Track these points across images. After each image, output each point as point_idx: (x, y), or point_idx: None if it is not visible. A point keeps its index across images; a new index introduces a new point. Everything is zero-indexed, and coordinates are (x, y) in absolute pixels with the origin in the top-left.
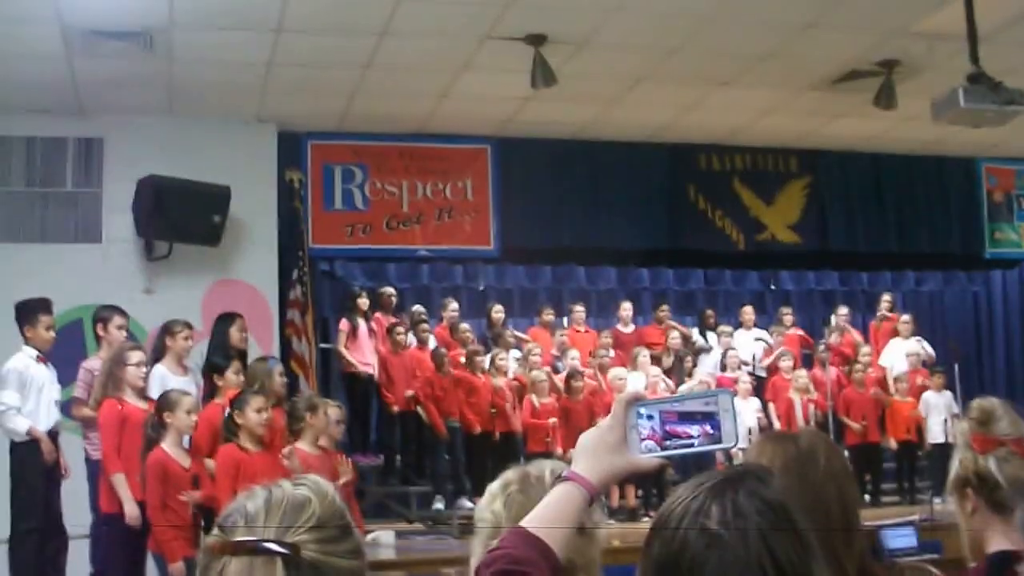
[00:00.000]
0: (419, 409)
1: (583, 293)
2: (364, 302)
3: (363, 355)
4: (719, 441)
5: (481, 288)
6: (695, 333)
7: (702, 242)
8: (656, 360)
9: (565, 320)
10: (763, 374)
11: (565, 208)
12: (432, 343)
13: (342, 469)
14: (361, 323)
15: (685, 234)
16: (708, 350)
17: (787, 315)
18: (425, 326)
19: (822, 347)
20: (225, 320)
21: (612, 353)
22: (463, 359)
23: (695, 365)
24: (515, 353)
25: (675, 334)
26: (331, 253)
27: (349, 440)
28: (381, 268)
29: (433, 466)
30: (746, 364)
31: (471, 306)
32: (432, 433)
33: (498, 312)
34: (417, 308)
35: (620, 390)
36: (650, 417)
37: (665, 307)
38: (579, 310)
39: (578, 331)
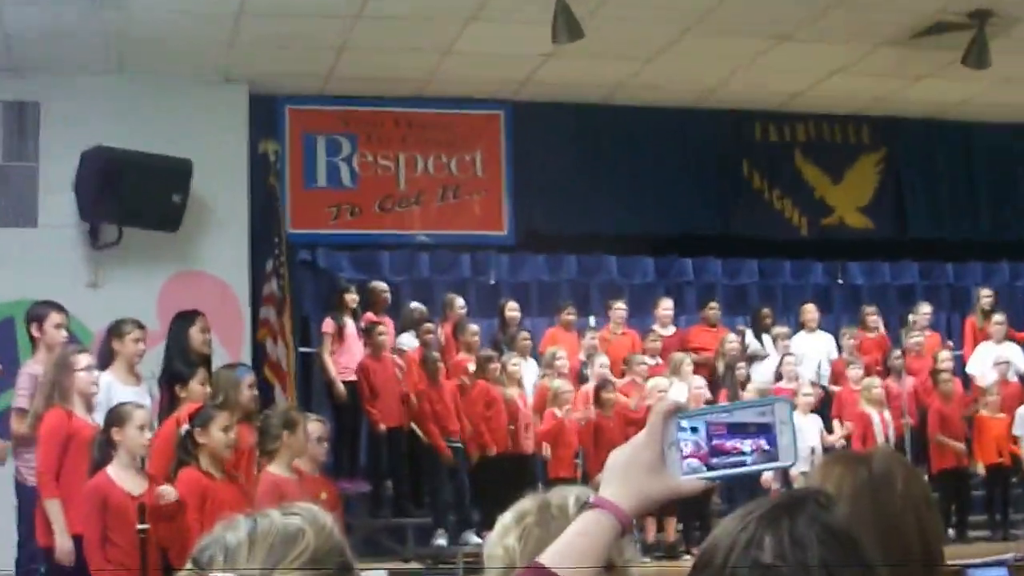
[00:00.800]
0: (414, 427)
1: (614, 288)
2: (352, 298)
3: (351, 361)
4: (775, 459)
5: (492, 282)
6: (748, 335)
7: (757, 227)
8: (702, 368)
9: (591, 320)
10: (827, 385)
11: (593, 187)
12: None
13: (324, 497)
14: (349, 323)
15: (737, 218)
16: (763, 357)
17: (871, 315)
18: (429, 326)
19: (897, 353)
20: (185, 320)
21: (656, 360)
22: (472, 366)
23: (748, 375)
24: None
25: (731, 338)
26: (313, 240)
27: (334, 462)
28: (373, 258)
29: (433, 494)
30: (809, 375)
31: (480, 303)
32: (431, 455)
33: (513, 310)
34: (416, 306)
35: None
36: (694, 430)
37: (714, 305)
38: (620, 308)
39: (612, 334)
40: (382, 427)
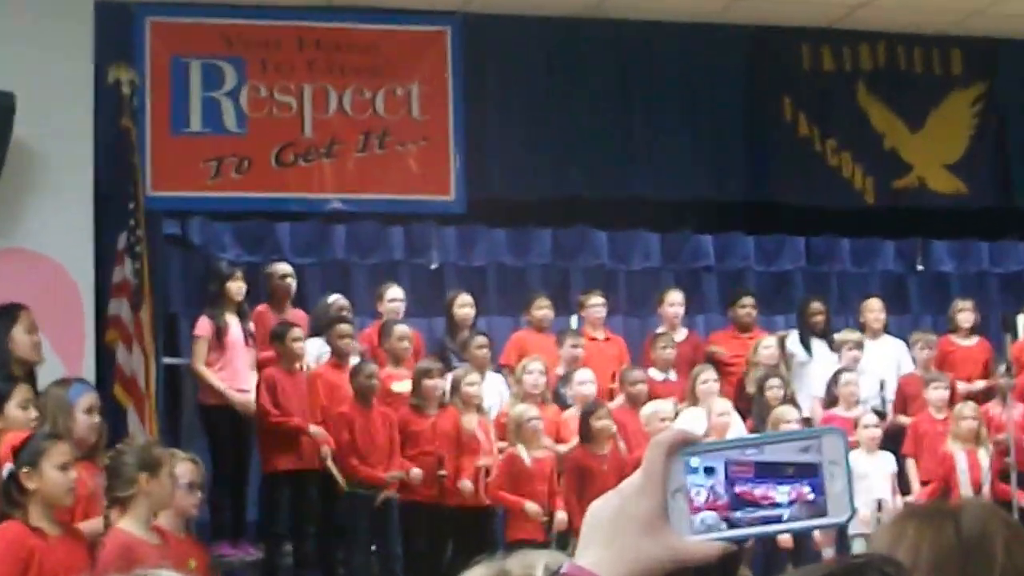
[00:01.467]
0: (330, 466)
1: (605, 275)
2: (238, 287)
3: (236, 376)
4: (823, 513)
5: (434, 266)
6: (792, 341)
7: (804, 192)
8: (729, 386)
9: (573, 321)
10: (887, 411)
11: (573, 135)
12: (356, 358)
13: (193, 567)
14: (233, 323)
15: (776, 178)
16: (813, 371)
17: (963, 310)
18: (346, 330)
19: (1003, 369)
20: (3, 317)
21: (667, 374)
22: (400, 385)
23: (788, 395)
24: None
25: (767, 343)
26: (184, 206)
27: (211, 518)
28: (268, 232)
29: (349, 561)
30: (870, 396)
31: (419, 296)
32: (352, 506)
33: (464, 306)
34: (334, 299)
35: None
36: (709, 472)
37: (747, 300)
38: (595, 304)
39: (596, 339)
40: (286, 467)
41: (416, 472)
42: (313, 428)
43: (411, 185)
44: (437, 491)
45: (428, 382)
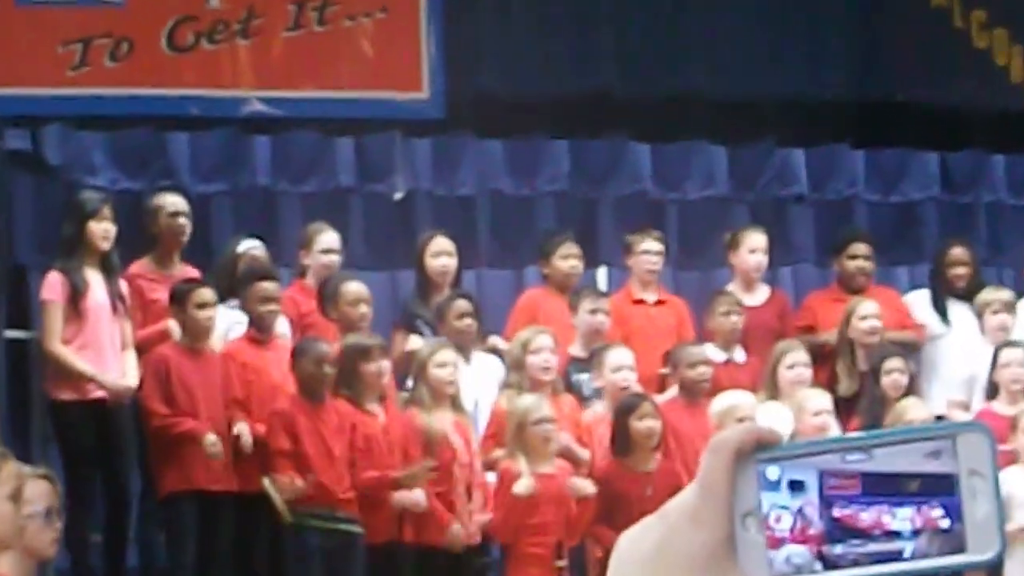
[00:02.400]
0: (267, 486)
1: (647, 208)
2: (104, 230)
3: (102, 355)
4: (961, 547)
5: (399, 195)
6: (921, 303)
7: (939, 87)
8: (825, 369)
9: (600, 274)
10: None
11: (603, 5)
12: (284, 327)
13: None
14: (95, 282)
15: (897, 68)
16: (950, 345)
17: None
18: (270, 290)
19: None
20: None
21: (731, 354)
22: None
23: (914, 385)
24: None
25: (867, 308)
26: (35, 108)
27: (71, 562)
28: (156, 147)
29: None
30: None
31: (376, 239)
32: (297, 544)
33: (440, 254)
34: (250, 246)
35: None
36: (796, 488)
37: (859, 246)
38: (651, 249)
39: (644, 302)
40: (183, 488)
41: (414, 498)
42: (211, 437)
43: (365, 78)
44: (412, 527)
45: (366, 367)
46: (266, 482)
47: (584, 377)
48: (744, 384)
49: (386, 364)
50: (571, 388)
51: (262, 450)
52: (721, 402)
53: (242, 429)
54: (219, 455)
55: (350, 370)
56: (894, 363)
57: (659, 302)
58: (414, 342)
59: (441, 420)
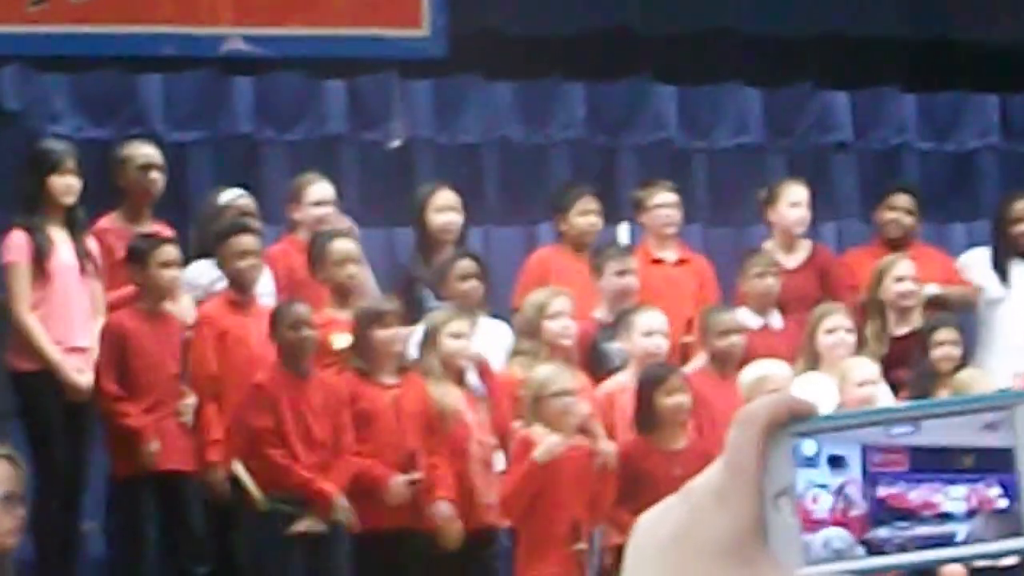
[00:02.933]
0: (238, 471)
1: (673, 157)
2: (67, 184)
3: (65, 325)
4: (1021, 530)
5: (396, 143)
6: (978, 263)
7: (999, 24)
8: (865, 337)
9: (621, 230)
10: None
11: None
12: (268, 287)
13: None
14: (60, 241)
15: (953, 4)
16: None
17: None
18: (249, 244)
19: None
20: None
21: (765, 318)
22: (340, 338)
23: (965, 357)
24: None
25: (904, 268)
26: None
27: (36, 551)
28: (125, 90)
29: None
30: None
31: (369, 191)
32: (271, 533)
33: (445, 209)
34: (232, 196)
35: None
36: (836, 464)
37: (903, 198)
38: (665, 203)
39: (663, 261)
40: (140, 472)
41: (397, 483)
42: (154, 445)
43: (358, 13)
44: (408, 511)
45: (379, 333)
46: (238, 466)
47: (615, 346)
48: (781, 353)
49: (403, 331)
50: (599, 358)
51: (238, 429)
52: (751, 372)
53: (186, 408)
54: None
55: (362, 337)
56: (945, 334)
57: (680, 261)
58: (431, 314)
59: (451, 395)
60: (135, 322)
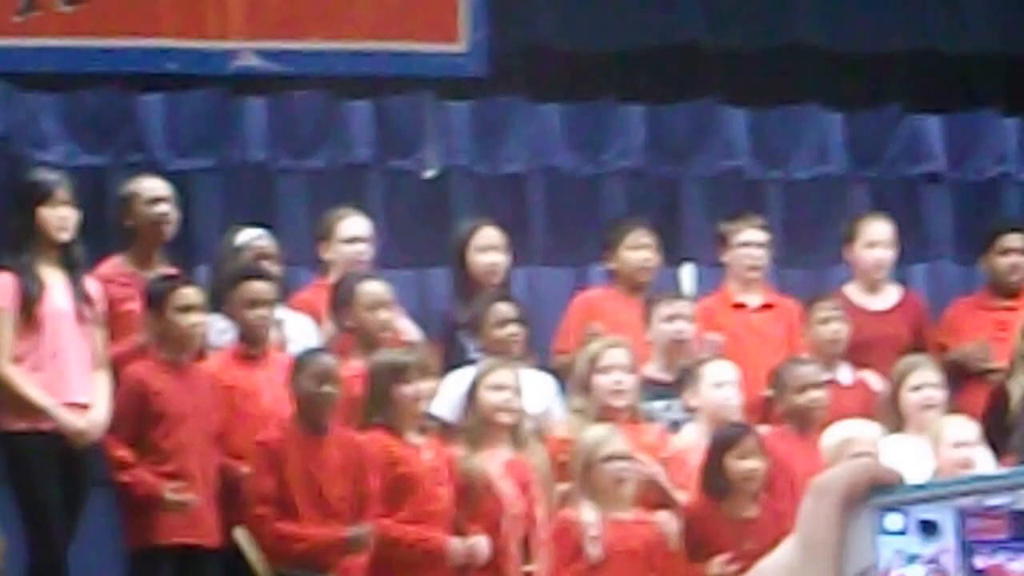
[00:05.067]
0: (241, 541)
1: (744, 189)
2: (61, 218)
3: (59, 380)
4: None
5: (431, 173)
6: None
7: None
8: (976, 395)
9: (685, 275)
10: None
11: None
12: (288, 337)
13: None
14: (54, 283)
15: None
16: None
17: None
18: (263, 292)
19: None
20: None
21: (838, 372)
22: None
23: None
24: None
25: None
26: None
27: None
28: (125, 111)
29: None
30: None
31: (403, 228)
32: None
33: (489, 249)
34: (250, 236)
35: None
36: (928, 531)
37: (1015, 238)
38: (752, 241)
39: (745, 306)
40: (160, 541)
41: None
42: (169, 492)
43: (387, 25)
44: None
45: (401, 390)
46: (239, 533)
47: (658, 405)
48: (851, 412)
49: (426, 386)
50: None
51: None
52: (835, 435)
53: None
54: (184, 504)
55: (381, 394)
56: None
57: (765, 306)
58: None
59: (491, 458)
60: (155, 375)
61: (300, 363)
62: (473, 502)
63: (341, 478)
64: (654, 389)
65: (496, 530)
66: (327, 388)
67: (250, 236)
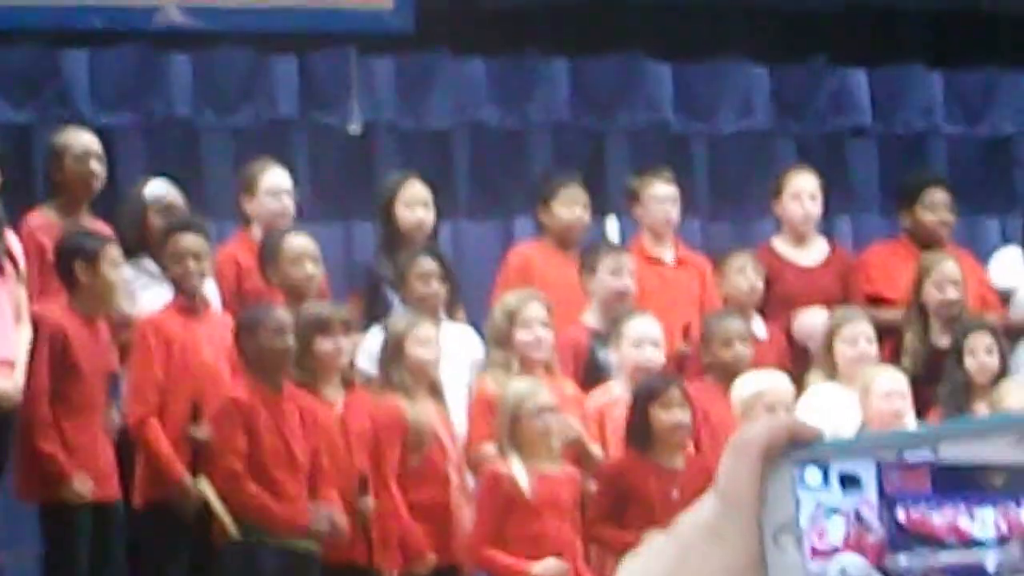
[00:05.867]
0: (206, 490)
1: (669, 143)
2: None
3: None
4: None
5: (354, 128)
6: (1014, 262)
7: None
8: (889, 343)
9: (609, 223)
10: None
11: None
12: (211, 290)
13: None
14: None
15: None
16: None
17: None
18: (194, 245)
19: None
20: None
21: (754, 325)
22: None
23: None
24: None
25: (951, 267)
26: None
27: None
28: (48, 67)
29: None
30: None
31: (327, 182)
32: (242, 568)
33: (415, 203)
34: (161, 190)
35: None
36: (849, 485)
37: (937, 193)
38: (662, 195)
39: (659, 261)
40: (81, 495)
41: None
42: (79, 485)
43: None
44: (364, 541)
45: (322, 344)
46: (206, 489)
47: (613, 356)
48: (766, 365)
49: (346, 341)
50: (595, 369)
51: (198, 450)
52: (747, 386)
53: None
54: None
55: (303, 347)
56: (980, 339)
57: (679, 262)
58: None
59: (425, 411)
60: (75, 327)
61: (255, 319)
62: (419, 452)
63: (301, 434)
64: (602, 338)
65: (442, 479)
66: (289, 342)
67: (160, 188)
